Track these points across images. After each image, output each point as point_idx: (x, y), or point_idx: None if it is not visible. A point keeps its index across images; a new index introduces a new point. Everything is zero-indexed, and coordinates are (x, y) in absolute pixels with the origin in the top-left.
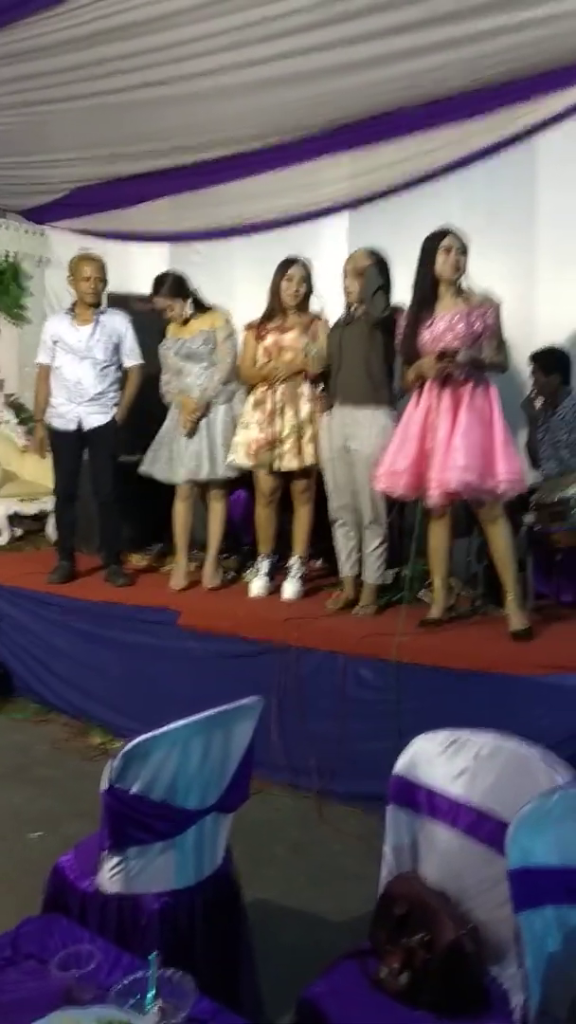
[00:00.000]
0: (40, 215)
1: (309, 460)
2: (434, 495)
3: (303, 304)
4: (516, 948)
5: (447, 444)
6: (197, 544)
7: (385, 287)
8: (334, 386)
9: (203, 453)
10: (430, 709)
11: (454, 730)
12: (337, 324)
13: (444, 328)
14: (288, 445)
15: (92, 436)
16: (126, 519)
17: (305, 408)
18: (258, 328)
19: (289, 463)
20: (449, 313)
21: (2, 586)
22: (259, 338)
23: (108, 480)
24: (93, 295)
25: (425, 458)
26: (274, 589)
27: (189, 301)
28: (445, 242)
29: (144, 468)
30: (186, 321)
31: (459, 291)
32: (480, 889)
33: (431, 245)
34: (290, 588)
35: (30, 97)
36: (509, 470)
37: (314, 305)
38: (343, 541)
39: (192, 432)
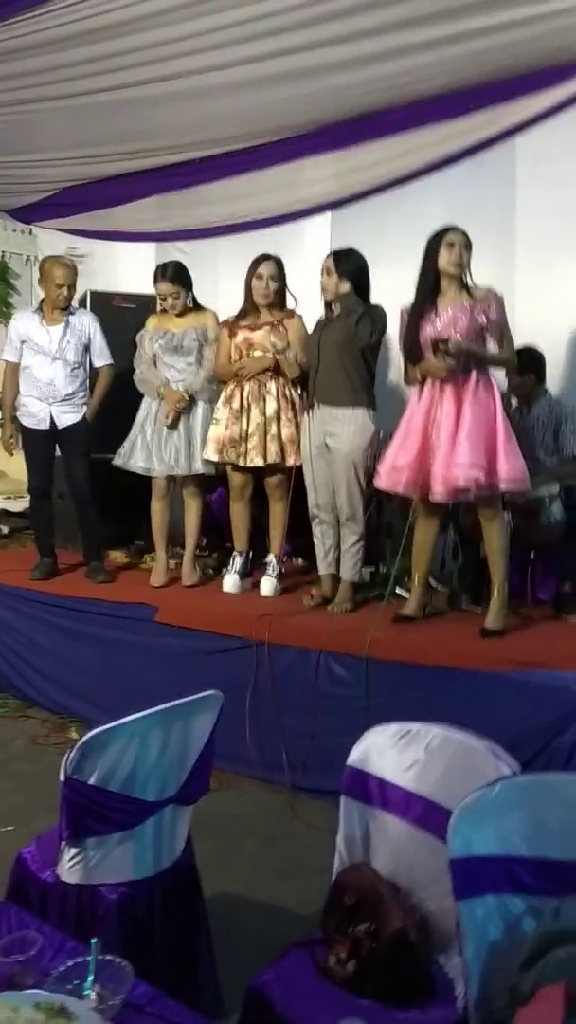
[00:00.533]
0: (27, 215)
1: (273, 458)
2: (438, 491)
3: (276, 302)
4: (457, 936)
5: (452, 441)
6: (179, 541)
7: (365, 298)
8: (313, 386)
9: (181, 449)
10: (400, 705)
11: (406, 723)
12: (317, 324)
13: (447, 322)
14: (253, 442)
15: (64, 435)
16: (107, 516)
17: (271, 406)
18: (231, 326)
19: (254, 459)
20: (452, 307)
21: None
22: (232, 335)
23: (83, 478)
24: (62, 300)
25: (428, 455)
26: (253, 586)
27: (190, 294)
28: (448, 237)
29: (120, 461)
30: (179, 314)
31: (463, 286)
32: (430, 879)
33: (435, 240)
34: (267, 585)
35: (16, 96)
36: (511, 468)
37: (289, 302)
38: (321, 539)
39: (174, 424)
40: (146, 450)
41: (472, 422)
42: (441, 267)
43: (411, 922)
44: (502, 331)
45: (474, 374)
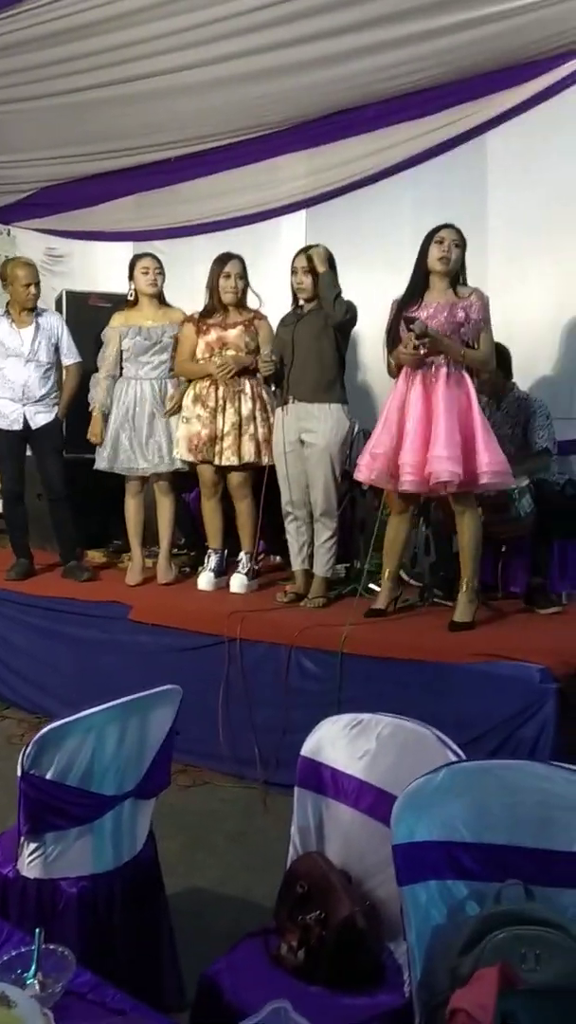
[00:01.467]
0: (5, 215)
1: (248, 457)
2: (408, 482)
3: (241, 300)
4: (401, 921)
5: (425, 432)
6: (155, 540)
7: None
8: (287, 382)
9: (164, 447)
10: (370, 698)
11: (357, 713)
12: (286, 320)
13: (426, 317)
14: (228, 441)
15: (38, 435)
16: (83, 516)
17: (247, 405)
18: (199, 322)
19: (229, 459)
20: (436, 302)
21: None
22: (200, 332)
23: (58, 478)
24: (28, 300)
25: (401, 445)
26: (227, 583)
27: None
28: (439, 234)
29: (105, 465)
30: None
31: (451, 284)
32: (381, 867)
33: (427, 237)
34: (236, 582)
35: None
36: (492, 461)
37: (252, 302)
38: (295, 535)
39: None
40: (128, 450)
41: (446, 414)
42: (429, 263)
43: (360, 909)
44: (480, 331)
45: (445, 368)
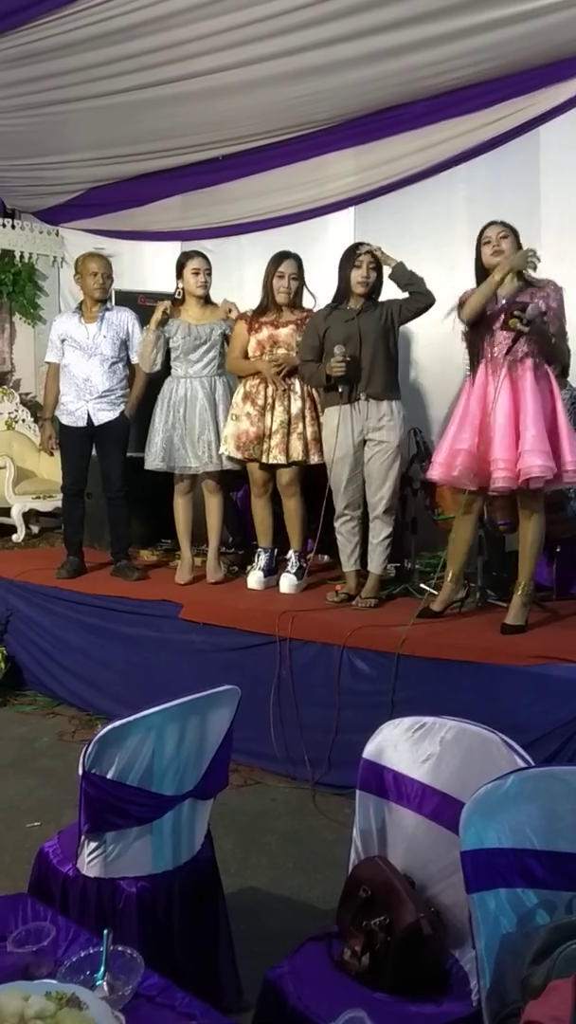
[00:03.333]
0: (54, 216)
1: (297, 456)
2: (501, 478)
3: (295, 300)
4: (470, 929)
5: (513, 428)
6: (205, 539)
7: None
8: (358, 380)
9: (213, 445)
10: (422, 699)
11: (420, 716)
12: (336, 316)
13: (507, 304)
14: (276, 440)
15: (102, 432)
16: (136, 515)
17: (296, 404)
18: (251, 320)
19: (276, 457)
20: (510, 293)
21: (14, 581)
22: (252, 330)
23: (118, 476)
24: (100, 291)
25: (485, 441)
26: (276, 582)
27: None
28: (485, 234)
29: (161, 464)
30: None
31: (520, 276)
32: (445, 873)
33: (477, 241)
34: (286, 582)
35: (42, 98)
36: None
37: (308, 301)
38: (348, 536)
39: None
40: (180, 449)
41: (534, 409)
42: (486, 264)
43: (425, 916)
44: (560, 321)
45: (531, 360)
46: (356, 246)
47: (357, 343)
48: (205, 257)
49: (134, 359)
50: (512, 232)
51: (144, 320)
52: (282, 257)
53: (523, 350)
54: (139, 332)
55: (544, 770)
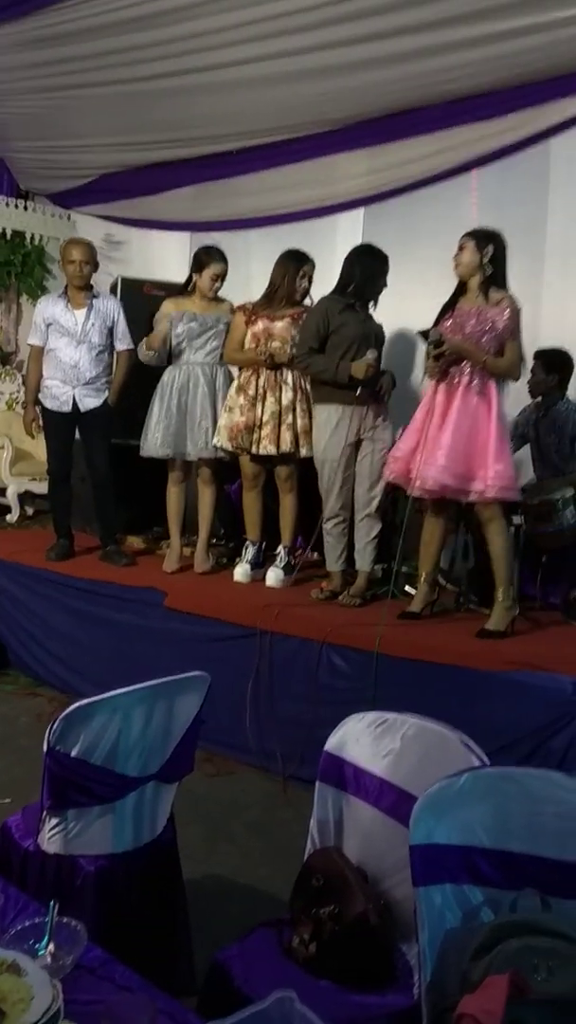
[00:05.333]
0: (67, 200)
1: (287, 447)
2: (416, 487)
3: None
4: (414, 922)
5: (434, 441)
6: (195, 528)
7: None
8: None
9: (209, 432)
10: (399, 699)
11: (384, 712)
12: (349, 319)
13: (456, 324)
14: (267, 430)
15: (87, 417)
16: (125, 502)
17: (288, 395)
18: (249, 312)
19: (266, 448)
20: (467, 308)
21: (3, 561)
22: (249, 323)
23: (103, 462)
24: (80, 278)
25: (419, 449)
26: (263, 576)
27: None
28: (460, 241)
29: (155, 451)
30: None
31: (484, 288)
32: (398, 867)
33: None
34: (272, 576)
35: (60, 82)
36: (497, 475)
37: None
38: (337, 536)
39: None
40: (178, 435)
41: (457, 424)
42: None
43: (374, 907)
44: (507, 340)
45: (467, 377)
46: (381, 256)
47: (372, 345)
48: (226, 263)
49: (118, 347)
50: (488, 247)
51: (145, 308)
52: (306, 258)
53: (458, 368)
54: (124, 321)
55: (498, 770)
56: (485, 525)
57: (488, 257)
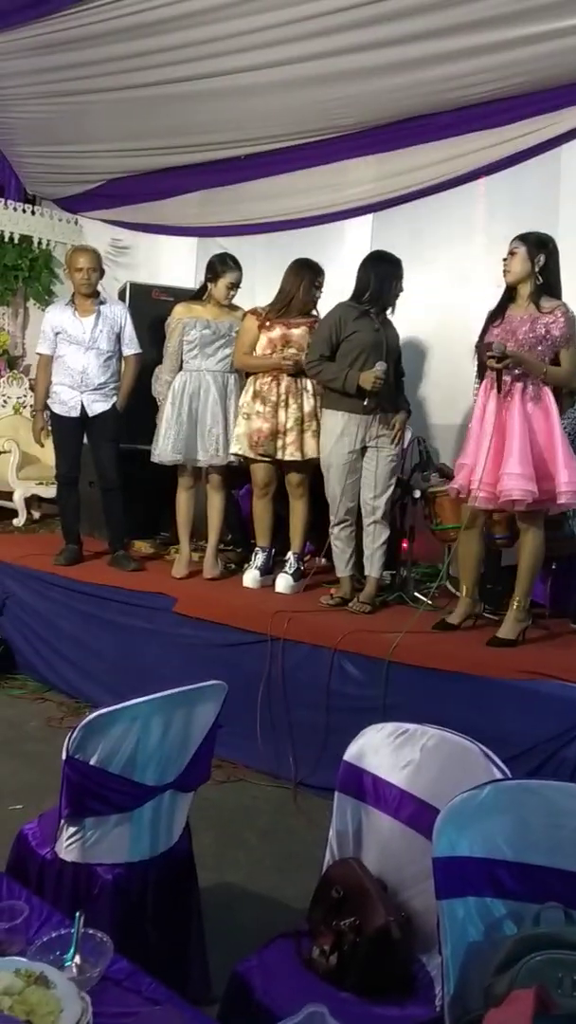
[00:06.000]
0: (74, 204)
1: (311, 453)
2: (481, 498)
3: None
4: (437, 935)
5: (497, 451)
6: (204, 534)
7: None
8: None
9: (221, 439)
10: (410, 706)
11: (403, 723)
12: (363, 325)
13: (507, 331)
14: (291, 437)
15: (95, 423)
16: (133, 507)
17: (309, 402)
18: (263, 317)
19: (292, 454)
20: (518, 316)
21: (11, 565)
22: (263, 328)
23: (112, 467)
24: (87, 286)
25: (479, 459)
26: (272, 582)
27: None
28: (510, 247)
29: (167, 457)
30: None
31: (534, 297)
32: (418, 879)
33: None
34: (283, 582)
35: (68, 87)
36: (571, 480)
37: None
38: (347, 541)
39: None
40: (189, 441)
41: (520, 431)
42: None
43: (395, 919)
44: (562, 349)
45: (521, 384)
46: (394, 261)
47: (382, 355)
48: (241, 271)
49: (126, 352)
50: (541, 252)
51: (153, 314)
52: (321, 269)
53: (513, 375)
54: (131, 326)
55: (520, 783)
56: (524, 533)
57: (539, 266)
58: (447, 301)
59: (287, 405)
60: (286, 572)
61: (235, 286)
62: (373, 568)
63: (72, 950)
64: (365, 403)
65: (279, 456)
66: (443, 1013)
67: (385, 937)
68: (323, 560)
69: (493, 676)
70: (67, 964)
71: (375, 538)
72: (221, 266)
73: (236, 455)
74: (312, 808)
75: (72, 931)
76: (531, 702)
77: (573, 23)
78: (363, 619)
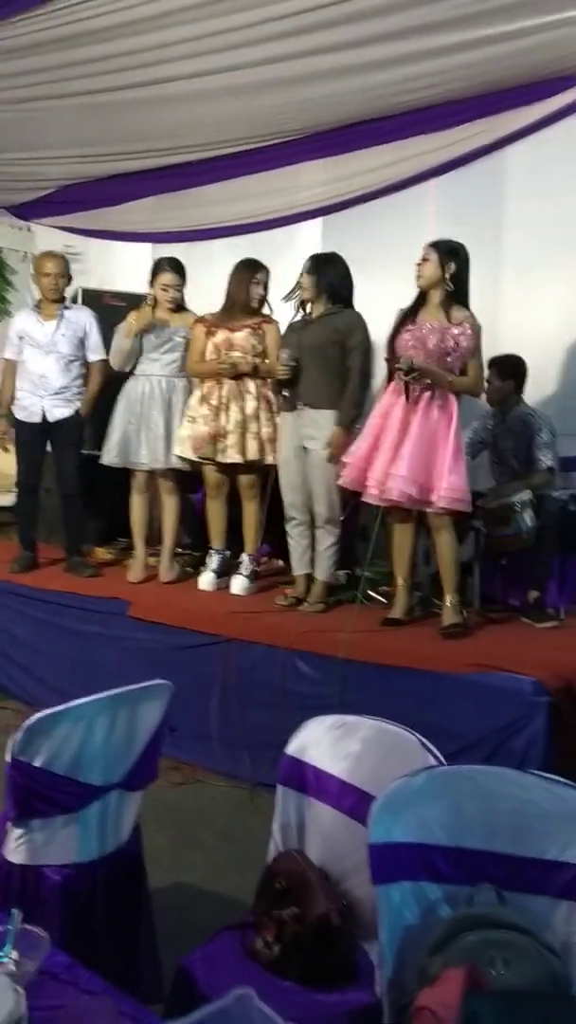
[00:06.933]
0: (26, 211)
1: (252, 455)
2: (371, 495)
3: (259, 309)
4: (374, 920)
5: (393, 451)
6: (160, 539)
7: (348, 303)
8: (294, 388)
9: (163, 441)
10: (364, 704)
11: (343, 715)
12: (294, 325)
13: (418, 339)
14: (232, 440)
15: (56, 428)
16: (93, 513)
17: (251, 404)
18: (209, 324)
19: (232, 456)
20: (428, 322)
21: None
22: (209, 334)
23: (73, 473)
24: (54, 291)
25: (372, 456)
26: (228, 584)
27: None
28: (423, 252)
29: (111, 459)
30: (173, 310)
31: (445, 304)
32: (359, 868)
33: None
34: (237, 584)
35: (20, 94)
36: (451, 487)
37: (265, 309)
38: (297, 540)
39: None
40: (134, 444)
41: (418, 436)
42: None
43: (336, 908)
44: (468, 360)
45: (428, 392)
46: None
47: (299, 352)
48: (177, 273)
49: (91, 358)
50: (438, 253)
51: (105, 319)
52: (259, 265)
53: (422, 385)
54: (97, 332)
55: (453, 769)
56: (435, 533)
57: (450, 273)
58: (397, 302)
59: (228, 408)
60: (240, 573)
61: (169, 288)
62: (320, 570)
63: (8, 945)
64: (283, 396)
65: (219, 459)
66: (381, 997)
67: (326, 925)
68: (279, 562)
69: (444, 670)
70: (3, 960)
71: (320, 542)
72: (156, 268)
73: (178, 457)
74: (268, 807)
75: (7, 927)
76: (480, 694)
77: (512, 28)
78: (317, 618)
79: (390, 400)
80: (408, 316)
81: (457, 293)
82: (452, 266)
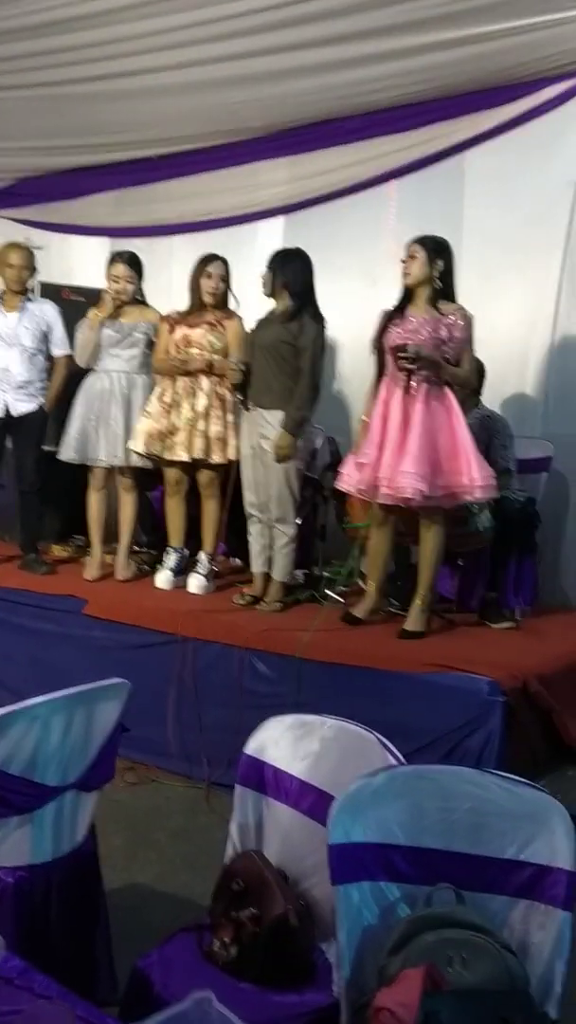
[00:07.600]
0: None
1: (198, 453)
2: (384, 495)
3: (220, 302)
4: (333, 920)
5: (400, 448)
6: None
7: (309, 301)
8: (249, 387)
9: (121, 439)
10: (321, 703)
11: (302, 715)
12: (259, 322)
13: (410, 330)
14: (180, 437)
15: (18, 423)
16: (50, 510)
17: (202, 402)
18: (172, 321)
19: (178, 453)
20: (419, 317)
21: None
22: (171, 331)
23: (32, 469)
24: (17, 283)
25: (380, 458)
26: (185, 583)
27: (138, 287)
28: (408, 249)
29: (69, 454)
30: (120, 305)
31: (432, 299)
32: (318, 868)
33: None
34: (194, 582)
35: None
36: (482, 476)
37: (231, 304)
38: (256, 538)
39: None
40: (92, 441)
41: (420, 430)
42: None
43: (293, 908)
44: (463, 350)
45: (426, 386)
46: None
47: (250, 352)
48: (130, 266)
49: (55, 352)
50: (439, 257)
51: (68, 314)
52: (210, 258)
53: (420, 377)
54: (61, 326)
55: (412, 769)
56: (425, 529)
57: (438, 272)
58: (357, 302)
59: (180, 405)
60: (198, 572)
61: (120, 279)
62: (275, 570)
63: None
64: (237, 397)
65: (167, 456)
66: (340, 997)
67: (283, 926)
68: (237, 561)
69: (400, 670)
70: None
71: (275, 540)
72: (109, 260)
73: (136, 454)
74: (225, 807)
75: None
76: (437, 694)
77: (475, 32)
78: (274, 618)
79: (384, 399)
80: (396, 314)
81: (444, 290)
82: (440, 263)
